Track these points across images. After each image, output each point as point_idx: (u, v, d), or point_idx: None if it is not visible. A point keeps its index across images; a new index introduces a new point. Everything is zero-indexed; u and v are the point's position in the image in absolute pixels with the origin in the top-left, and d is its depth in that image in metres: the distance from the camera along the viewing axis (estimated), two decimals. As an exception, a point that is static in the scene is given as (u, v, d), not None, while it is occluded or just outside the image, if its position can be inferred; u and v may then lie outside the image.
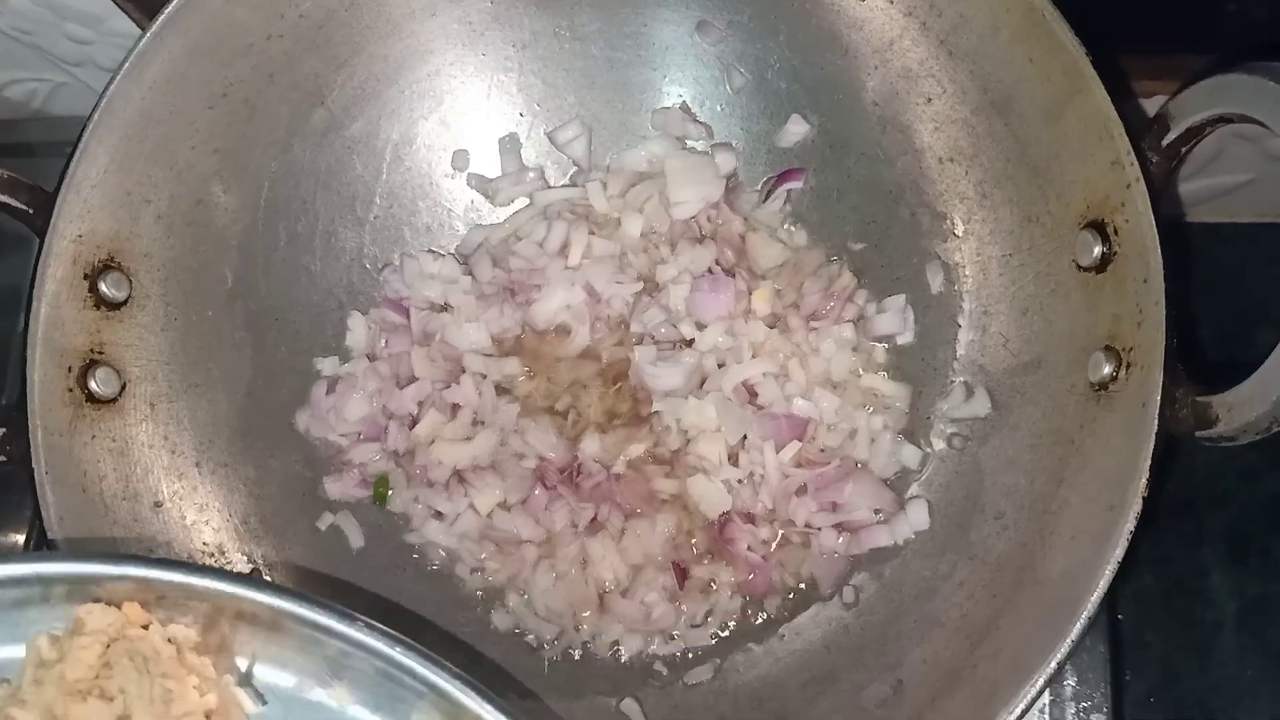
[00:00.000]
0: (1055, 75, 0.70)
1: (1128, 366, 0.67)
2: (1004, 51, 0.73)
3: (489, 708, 0.53)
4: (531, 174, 0.88)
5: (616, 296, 0.83)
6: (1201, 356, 0.92)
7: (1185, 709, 0.90)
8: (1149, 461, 0.63)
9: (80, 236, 0.73)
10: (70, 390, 0.73)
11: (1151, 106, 0.82)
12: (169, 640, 0.56)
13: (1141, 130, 0.67)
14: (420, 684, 0.54)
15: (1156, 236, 0.65)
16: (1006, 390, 0.77)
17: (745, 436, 0.79)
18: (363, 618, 0.54)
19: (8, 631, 0.57)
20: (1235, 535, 0.93)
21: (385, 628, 0.54)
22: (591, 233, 0.85)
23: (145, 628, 0.56)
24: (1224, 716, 0.90)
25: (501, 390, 0.83)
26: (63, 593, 0.56)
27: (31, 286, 0.72)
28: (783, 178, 0.85)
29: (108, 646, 0.55)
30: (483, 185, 0.88)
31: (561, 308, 0.83)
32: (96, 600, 0.56)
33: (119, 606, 0.56)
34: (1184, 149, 0.67)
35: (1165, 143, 0.67)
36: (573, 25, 0.85)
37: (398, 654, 0.53)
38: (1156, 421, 0.64)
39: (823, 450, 0.80)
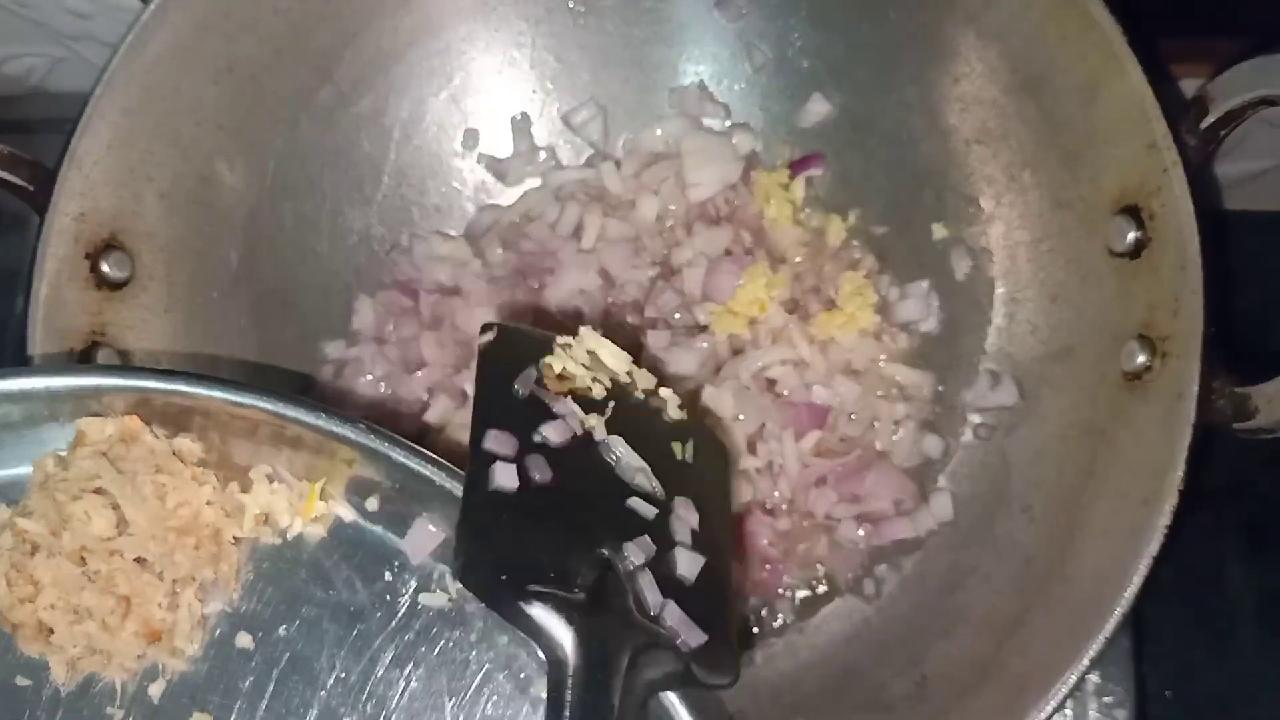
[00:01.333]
0: (1089, 55, 0.69)
1: (1163, 356, 0.65)
2: (1035, 30, 0.72)
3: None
4: (543, 154, 0.87)
5: (631, 281, 0.82)
6: (1231, 346, 0.91)
7: (1202, 703, 0.88)
8: (1185, 454, 0.62)
9: (82, 215, 0.72)
10: (71, 373, 0.72)
11: (1184, 89, 0.80)
12: (173, 453, 0.59)
13: (1179, 113, 0.66)
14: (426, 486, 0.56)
15: (1195, 222, 0.64)
16: (1035, 379, 0.76)
17: (764, 425, 0.78)
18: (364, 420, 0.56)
19: (15, 452, 0.59)
20: (1254, 527, 0.92)
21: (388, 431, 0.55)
22: (605, 215, 0.83)
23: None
24: (1242, 710, 0.89)
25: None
26: (68, 410, 0.58)
27: (31, 266, 0.71)
28: (802, 164, 0.84)
29: (106, 456, 0.58)
30: (493, 165, 0.87)
31: (575, 292, 0.82)
32: (97, 415, 0.58)
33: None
34: (1223, 132, 0.65)
35: (1204, 126, 0.65)
36: (588, 0, 0.83)
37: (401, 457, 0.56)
38: (1194, 413, 0.62)
39: (843, 440, 0.78)
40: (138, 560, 0.57)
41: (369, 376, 0.81)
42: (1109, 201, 0.70)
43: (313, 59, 0.80)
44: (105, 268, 0.73)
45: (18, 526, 0.56)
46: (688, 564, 0.56)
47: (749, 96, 0.85)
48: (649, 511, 0.57)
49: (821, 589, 0.78)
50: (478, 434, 0.55)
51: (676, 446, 0.62)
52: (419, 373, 0.81)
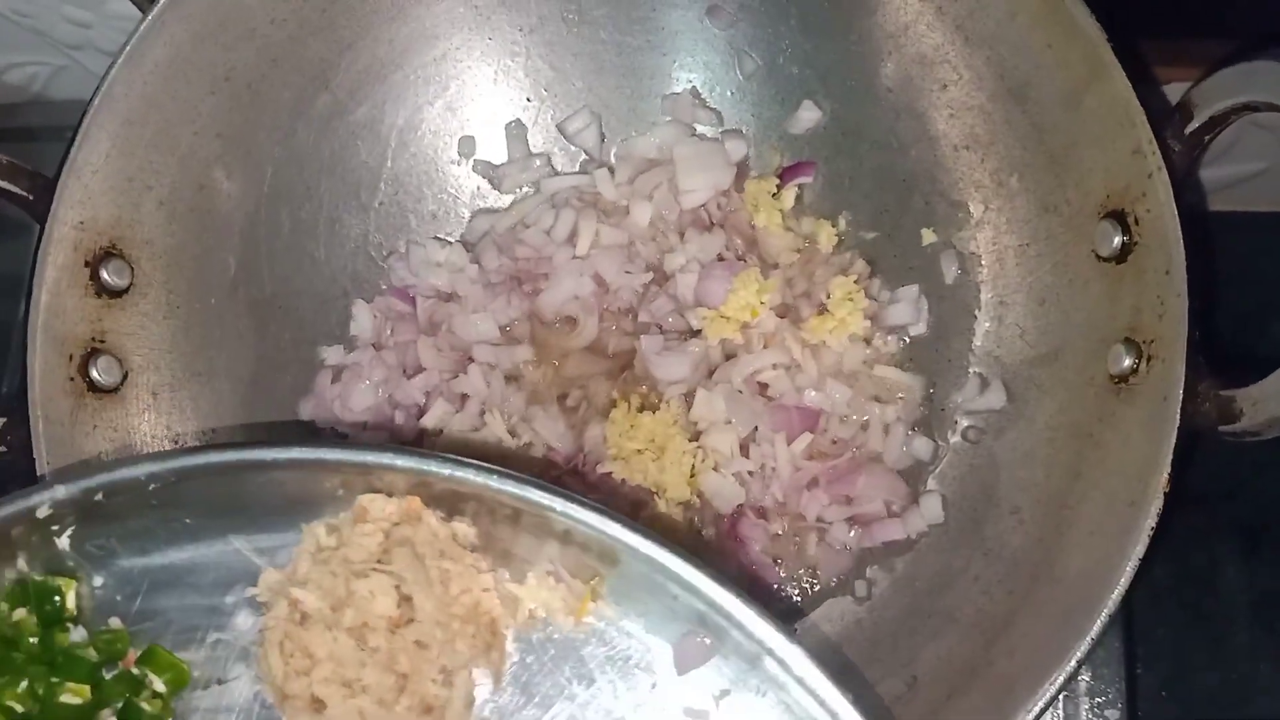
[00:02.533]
0: (1074, 61, 0.69)
1: (1148, 359, 0.66)
2: (1022, 37, 0.72)
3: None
4: (538, 160, 0.87)
5: (625, 287, 0.82)
6: (1218, 348, 0.91)
7: (1197, 703, 0.89)
8: (1170, 456, 0.63)
9: (81, 223, 0.72)
10: (71, 379, 0.72)
11: (1169, 94, 0.81)
12: (452, 536, 0.57)
13: (1163, 118, 0.66)
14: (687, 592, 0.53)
15: (1179, 227, 0.64)
16: (1023, 382, 0.76)
17: (756, 429, 0.78)
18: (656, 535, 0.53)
19: (278, 521, 0.57)
20: (1248, 528, 0.92)
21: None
22: (600, 221, 0.83)
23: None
24: (1235, 711, 0.89)
25: (509, 378, 0.82)
26: (336, 484, 0.56)
27: (32, 274, 0.71)
28: (792, 171, 0.84)
29: (387, 535, 0.56)
30: (489, 172, 0.87)
31: (569, 298, 0.82)
32: (376, 491, 0.57)
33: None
34: (1207, 137, 0.66)
35: (1188, 131, 0.66)
36: (581, 9, 0.84)
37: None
38: (1178, 416, 0.63)
39: (834, 442, 0.78)
40: (417, 643, 0.56)
41: (367, 382, 0.82)
42: (1095, 206, 0.70)
43: (309, 68, 0.81)
44: (105, 275, 0.74)
45: (293, 597, 0.56)
46: None
47: (740, 103, 0.85)
48: None
49: (813, 590, 0.79)
50: None
51: None
52: (417, 378, 0.82)
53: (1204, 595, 0.91)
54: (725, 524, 0.79)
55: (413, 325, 0.84)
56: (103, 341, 0.74)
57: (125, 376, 0.75)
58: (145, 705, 0.56)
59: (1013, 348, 0.78)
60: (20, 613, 0.57)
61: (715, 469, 0.78)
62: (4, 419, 0.71)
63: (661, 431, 0.78)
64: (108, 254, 0.74)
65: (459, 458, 0.54)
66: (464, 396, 0.82)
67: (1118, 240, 0.69)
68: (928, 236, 0.81)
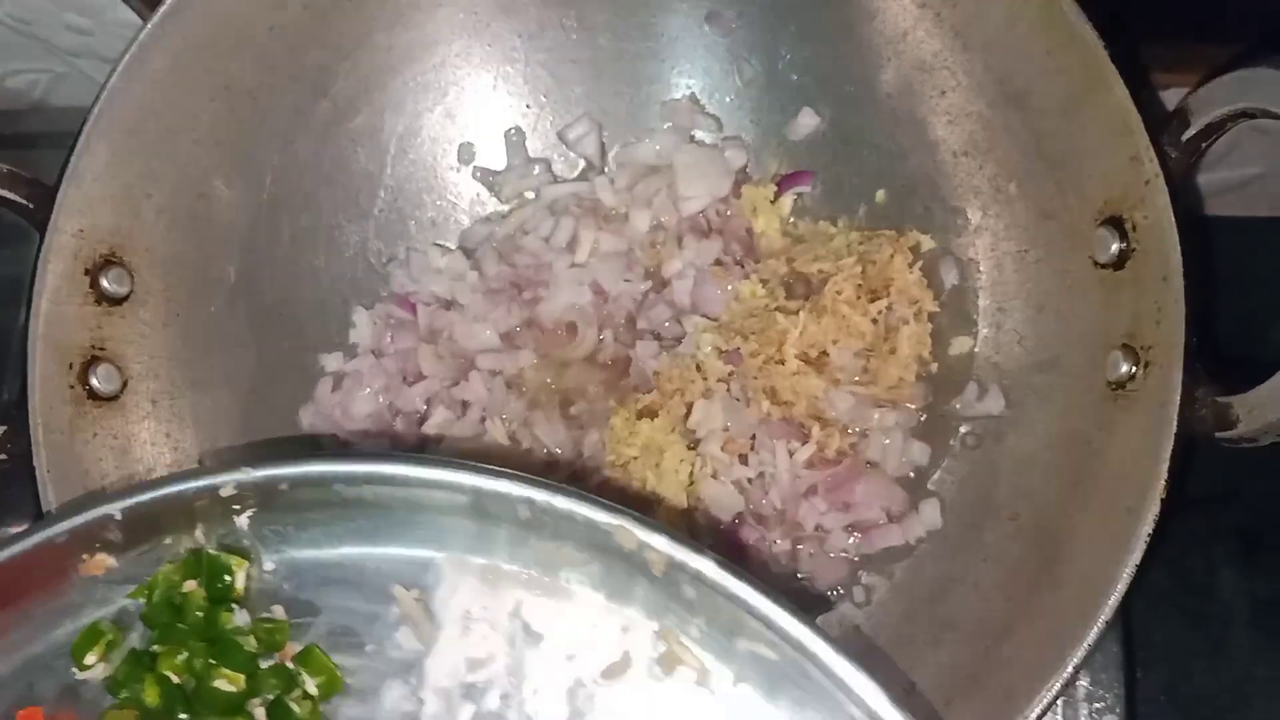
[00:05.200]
0: (1073, 69, 0.69)
1: (1146, 366, 0.66)
2: (1021, 44, 0.72)
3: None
4: (537, 167, 0.87)
5: (624, 294, 0.82)
6: (1216, 353, 0.91)
7: (1196, 708, 0.89)
8: (1168, 463, 0.63)
9: (81, 231, 0.72)
10: (71, 387, 0.72)
11: (1168, 98, 0.81)
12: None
13: (1161, 125, 0.66)
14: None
15: (1176, 234, 0.64)
16: (1022, 389, 0.76)
17: (754, 436, 0.78)
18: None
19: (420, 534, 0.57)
20: (1247, 533, 0.92)
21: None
22: (599, 228, 0.84)
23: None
24: (1234, 715, 0.89)
25: (510, 384, 0.82)
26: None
27: (32, 282, 0.71)
28: (790, 180, 0.84)
29: None
30: (488, 178, 0.87)
31: (569, 306, 0.82)
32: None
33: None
34: (1204, 144, 0.66)
35: (1185, 138, 0.66)
36: (580, 16, 0.84)
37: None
38: (1176, 422, 0.63)
39: (834, 450, 0.78)
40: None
41: (368, 389, 0.82)
42: (1093, 213, 0.70)
43: (309, 76, 0.81)
44: (105, 283, 0.74)
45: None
46: None
47: (740, 110, 0.85)
48: None
49: (809, 597, 0.79)
50: None
51: None
52: (417, 385, 0.82)
53: (1202, 600, 0.91)
54: (725, 532, 0.79)
55: (413, 332, 0.84)
56: (102, 349, 0.74)
57: (125, 384, 0.75)
58: (295, 706, 0.56)
59: (1011, 354, 0.78)
60: (191, 584, 0.56)
61: (714, 476, 0.78)
62: (4, 427, 0.71)
63: (660, 438, 0.78)
64: (107, 262, 0.74)
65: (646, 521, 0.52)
66: (465, 403, 0.82)
67: (1116, 247, 0.69)
68: (927, 243, 0.81)
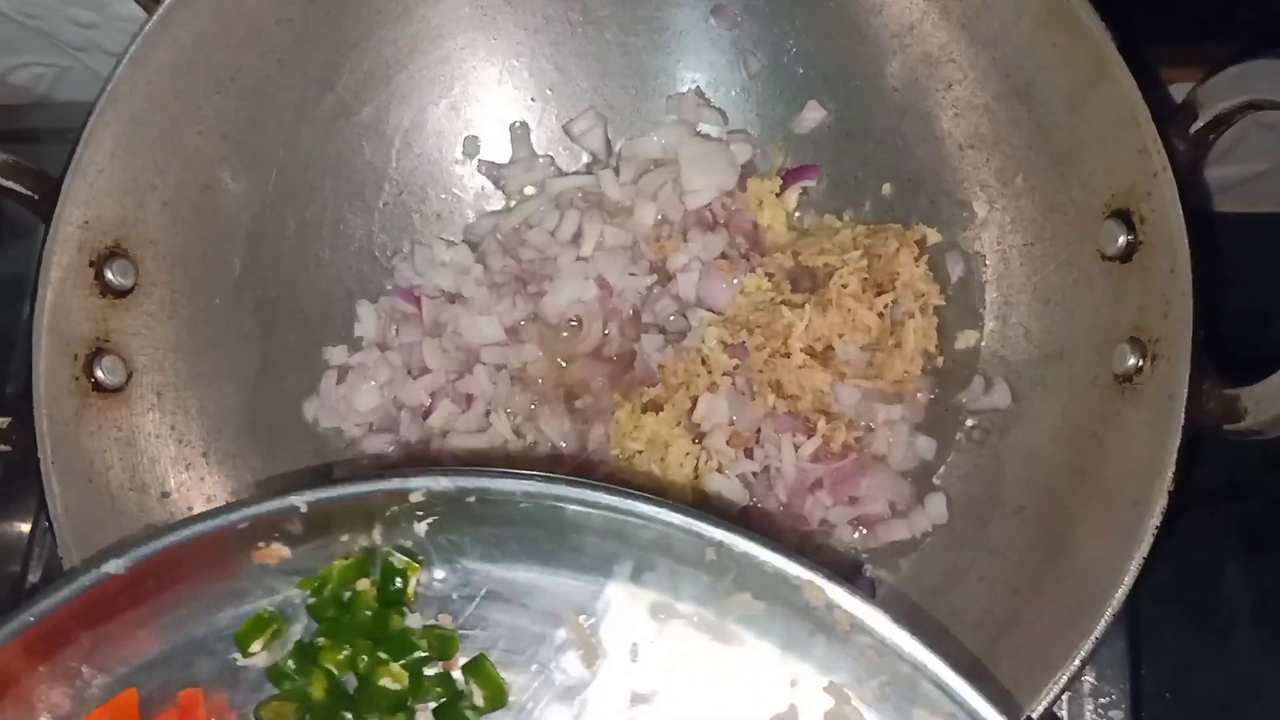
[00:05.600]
0: (1079, 61, 0.69)
1: (1153, 359, 0.66)
2: (1027, 37, 0.72)
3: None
4: (542, 161, 0.87)
5: (629, 288, 0.82)
6: (1222, 347, 0.91)
7: (1200, 703, 0.88)
8: (1175, 456, 0.62)
9: (86, 223, 0.72)
10: (76, 379, 0.72)
11: (1176, 94, 0.81)
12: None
13: (1168, 117, 0.66)
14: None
15: (1184, 226, 0.64)
16: (1028, 382, 0.76)
17: (760, 430, 0.78)
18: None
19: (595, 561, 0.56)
20: (1252, 528, 0.92)
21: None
22: (604, 222, 0.83)
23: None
24: (1239, 711, 0.89)
25: (514, 377, 0.82)
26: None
27: (37, 274, 0.71)
28: (796, 174, 0.84)
29: None
30: (493, 172, 0.87)
31: (573, 301, 0.82)
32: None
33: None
34: (1212, 136, 0.65)
35: (1193, 130, 0.65)
36: (585, 9, 0.84)
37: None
38: (1183, 415, 0.62)
39: (840, 444, 0.78)
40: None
41: (372, 383, 0.82)
42: (1100, 205, 0.70)
43: (315, 69, 0.81)
44: (109, 275, 0.74)
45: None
46: None
47: (745, 103, 0.85)
48: None
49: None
50: None
51: None
52: (422, 379, 0.82)
53: (1207, 595, 0.91)
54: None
55: (418, 326, 0.83)
56: (107, 341, 0.74)
57: (130, 377, 0.75)
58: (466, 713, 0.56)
59: (1017, 347, 0.77)
60: (364, 583, 0.56)
61: (719, 470, 0.78)
62: (8, 419, 0.70)
63: (665, 432, 0.78)
64: (112, 254, 0.74)
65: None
66: (469, 397, 0.82)
67: (1123, 239, 0.68)
68: (933, 236, 0.80)
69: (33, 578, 0.91)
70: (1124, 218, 0.68)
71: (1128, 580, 0.62)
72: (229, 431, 0.79)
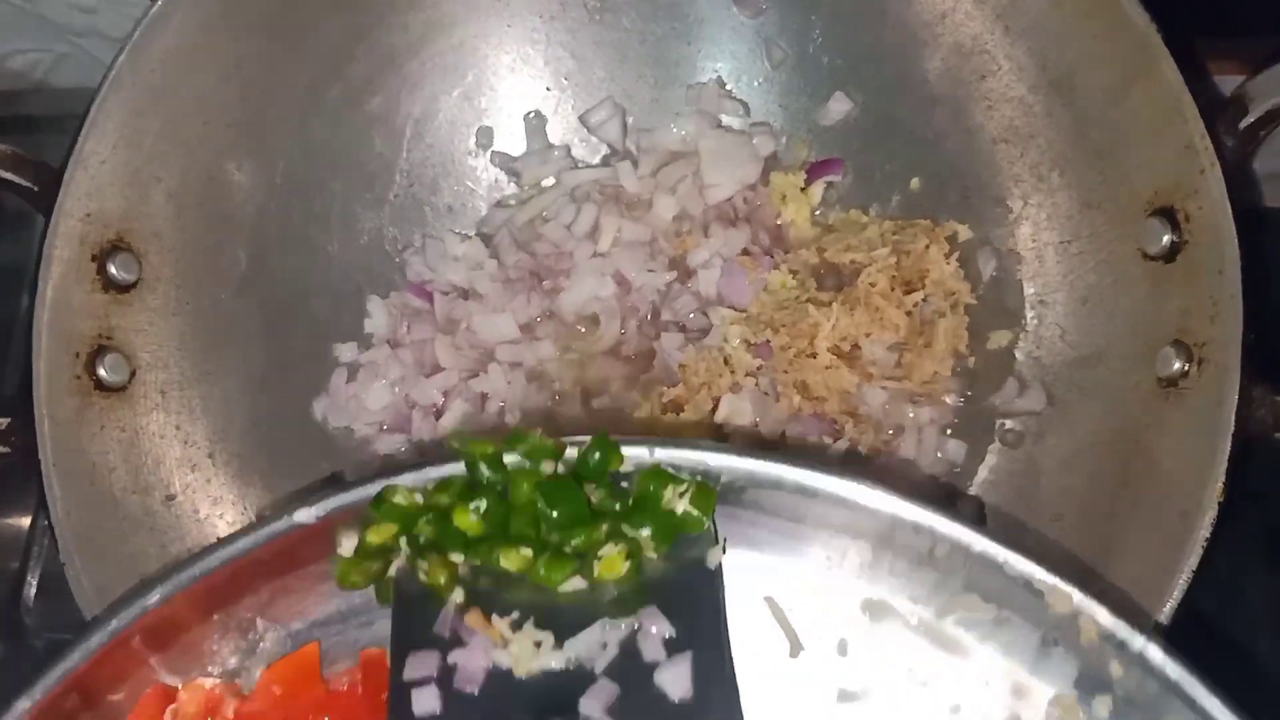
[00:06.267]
0: (1121, 53, 0.67)
1: (1200, 363, 0.64)
2: (1065, 27, 0.70)
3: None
4: (558, 152, 0.85)
5: (648, 285, 0.80)
6: (1271, 351, 0.90)
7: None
8: (1225, 464, 0.61)
9: (88, 216, 0.70)
10: (78, 378, 0.70)
11: (1220, 86, 0.79)
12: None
13: (1216, 112, 0.64)
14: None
15: (1233, 225, 0.62)
16: (1064, 385, 0.74)
17: (784, 432, 0.76)
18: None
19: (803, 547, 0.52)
20: (1275, 533, 0.90)
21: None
22: (622, 215, 0.82)
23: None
24: (1258, 717, 0.88)
25: (530, 376, 0.80)
26: None
27: (37, 267, 0.69)
28: (820, 168, 0.82)
29: None
30: (507, 164, 0.85)
31: (591, 298, 0.80)
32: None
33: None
34: (1263, 133, 0.63)
35: (1242, 126, 0.63)
36: (604, -5, 0.82)
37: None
38: (1233, 422, 0.61)
39: (868, 446, 0.76)
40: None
41: (383, 380, 0.80)
42: (1142, 203, 0.68)
43: (323, 56, 0.79)
44: (112, 269, 0.72)
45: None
46: (674, 679, 0.47)
47: (768, 94, 0.83)
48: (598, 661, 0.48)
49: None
50: (397, 664, 0.49)
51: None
52: (435, 377, 0.80)
53: (1228, 601, 0.89)
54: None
55: (430, 322, 0.82)
56: (110, 338, 0.72)
57: (133, 375, 0.73)
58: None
59: (1053, 348, 0.75)
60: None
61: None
62: (8, 419, 0.69)
63: (687, 433, 0.76)
64: (115, 247, 0.72)
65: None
66: (484, 396, 0.80)
67: (1167, 239, 0.66)
68: (964, 232, 0.79)
69: (32, 576, 0.90)
70: (1168, 216, 0.66)
71: (1176, 595, 0.60)
72: (235, 431, 0.78)
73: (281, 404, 0.80)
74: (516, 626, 0.48)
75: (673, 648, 0.48)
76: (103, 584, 0.67)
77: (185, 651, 0.53)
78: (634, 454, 0.50)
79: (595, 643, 0.48)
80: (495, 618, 0.49)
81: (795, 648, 0.53)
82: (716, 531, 0.51)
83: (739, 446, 0.51)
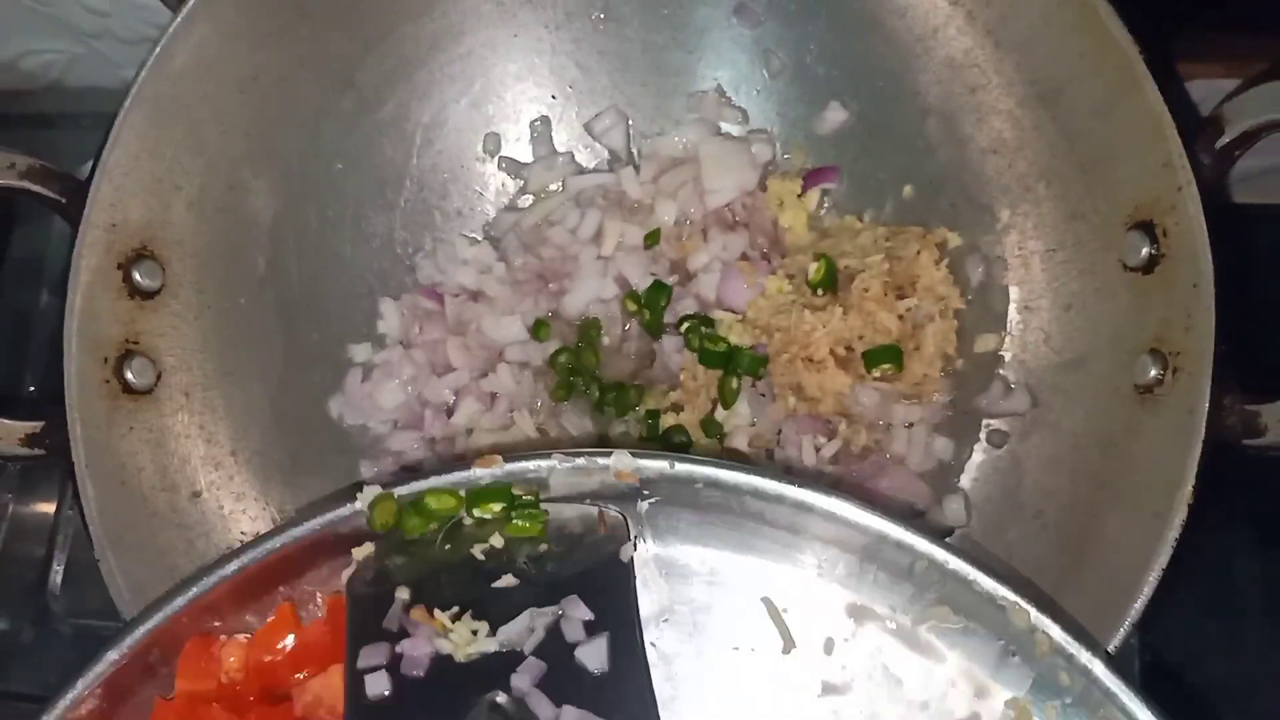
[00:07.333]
0: (1107, 71, 0.69)
1: (1174, 371, 0.67)
2: (1054, 44, 0.72)
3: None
4: (563, 158, 0.87)
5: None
6: (1242, 348, 0.91)
7: (1210, 696, 0.90)
8: (1195, 469, 0.63)
9: (113, 225, 0.73)
10: (107, 382, 0.73)
11: (1194, 89, 0.80)
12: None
13: (1194, 131, 0.66)
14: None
15: (1208, 241, 0.64)
16: (1048, 388, 0.77)
17: (780, 432, 0.79)
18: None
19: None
20: (1263, 520, 0.92)
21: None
22: (624, 220, 0.84)
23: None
24: (1249, 702, 0.89)
25: (538, 374, 0.83)
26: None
27: (63, 269, 0.72)
28: (816, 176, 0.84)
29: None
30: (514, 169, 0.87)
31: (593, 299, 0.82)
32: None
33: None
34: (1237, 153, 0.66)
35: (1219, 145, 0.66)
36: (607, 6, 0.84)
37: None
38: (1204, 429, 0.63)
39: (860, 445, 0.79)
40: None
41: (396, 380, 0.82)
42: (1123, 216, 0.71)
43: (335, 66, 0.81)
44: (137, 277, 0.74)
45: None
46: (592, 655, 0.55)
47: (766, 102, 0.85)
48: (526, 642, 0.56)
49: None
50: (352, 656, 0.56)
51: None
52: (446, 376, 0.82)
53: (1217, 586, 0.91)
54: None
55: (441, 323, 0.84)
56: (136, 343, 0.75)
57: (159, 377, 0.76)
58: None
59: (1038, 352, 0.78)
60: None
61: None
62: (40, 424, 0.71)
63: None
64: (139, 255, 0.74)
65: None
66: (493, 395, 0.82)
67: (1146, 251, 0.69)
68: (954, 239, 0.81)
69: (58, 563, 0.93)
70: (1147, 229, 0.69)
71: (1147, 592, 0.63)
72: (256, 430, 0.80)
73: (299, 403, 0.82)
74: (456, 618, 0.56)
75: (591, 629, 0.56)
76: (135, 578, 0.70)
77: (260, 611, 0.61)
78: (655, 466, 0.57)
79: (524, 628, 0.56)
80: (437, 611, 0.56)
81: (788, 644, 0.58)
82: (629, 530, 0.58)
83: (746, 465, 0.57)
